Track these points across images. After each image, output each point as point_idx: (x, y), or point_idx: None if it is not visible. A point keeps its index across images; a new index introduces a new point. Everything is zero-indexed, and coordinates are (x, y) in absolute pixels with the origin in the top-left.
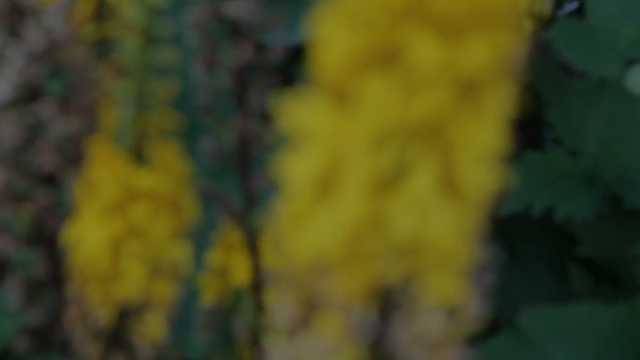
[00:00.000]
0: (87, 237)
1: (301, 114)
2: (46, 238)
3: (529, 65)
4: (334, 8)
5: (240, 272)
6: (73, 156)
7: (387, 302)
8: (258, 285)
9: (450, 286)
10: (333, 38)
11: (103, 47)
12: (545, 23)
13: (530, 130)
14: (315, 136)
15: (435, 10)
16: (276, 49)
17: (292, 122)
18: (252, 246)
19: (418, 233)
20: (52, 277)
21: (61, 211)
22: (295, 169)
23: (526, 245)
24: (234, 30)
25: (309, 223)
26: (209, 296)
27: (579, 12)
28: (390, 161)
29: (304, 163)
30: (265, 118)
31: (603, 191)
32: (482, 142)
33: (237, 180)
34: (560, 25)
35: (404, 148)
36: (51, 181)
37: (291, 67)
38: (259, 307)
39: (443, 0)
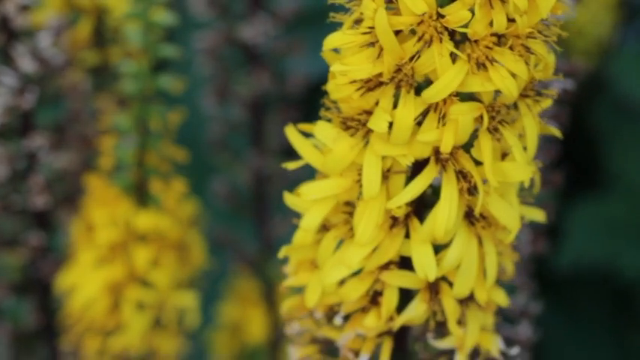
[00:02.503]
0: (84, 283)
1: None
2: (37, 285)
3: (588, 103)
4: None
5: (255, 327)
6: (68, 193)
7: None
8: (275, 341)
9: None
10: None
11: (102, 73)
12: (608, 59)
13: (586, 169)
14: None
15: None
16: (296, 79)
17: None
18: (270, 298)
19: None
20: (45, 328)
21: (54, 254)
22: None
23: (584, 305)
24: (250, 57)
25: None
26: (220, 353)
27: None
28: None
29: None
30: (285, 155)
31: None
32: (508, 169)
33: (252, 224)
34: (624, 60)
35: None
36: (43, 221)
37: (314, 98)
38: None
39: None
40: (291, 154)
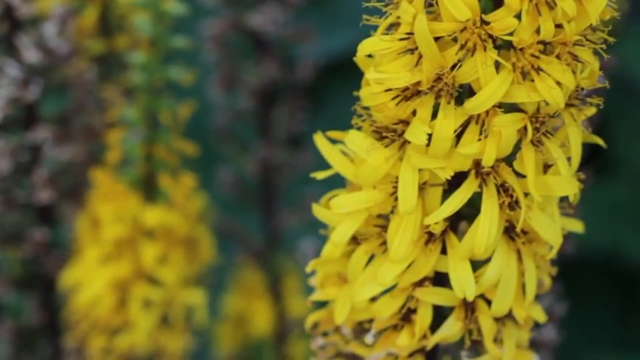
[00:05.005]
0: (89, 280)
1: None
2: (41, 281)
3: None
4: None
5: (260, 319)
6: (73, 187)
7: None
8: (282, 335)
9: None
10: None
11: (109, 63)
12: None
13: (590, 153)
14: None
15: None
16: (305, 66)
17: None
18: (276, 291)
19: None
20: (48, 325)
21: (59, 250)
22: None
23: (588, 289)
24: (258, 44)
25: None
26: (225, 346)
27: None
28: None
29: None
30: (293, 144)
31: None
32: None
33: (258, 215)
34: (630, 43)
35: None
36: (47, 215)
37: (322, 82)
38: None
39: None
40: (299, 144)
